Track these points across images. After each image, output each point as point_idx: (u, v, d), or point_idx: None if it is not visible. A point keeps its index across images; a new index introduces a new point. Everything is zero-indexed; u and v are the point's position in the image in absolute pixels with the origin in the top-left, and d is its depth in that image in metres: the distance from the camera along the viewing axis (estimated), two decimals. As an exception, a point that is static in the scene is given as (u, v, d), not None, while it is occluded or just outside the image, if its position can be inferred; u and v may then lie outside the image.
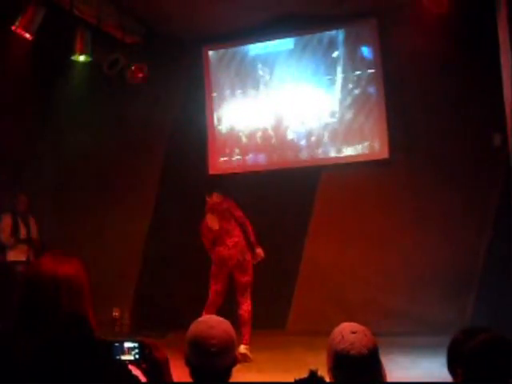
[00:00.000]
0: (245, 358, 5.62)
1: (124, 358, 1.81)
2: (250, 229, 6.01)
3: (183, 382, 2.03)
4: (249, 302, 5.86)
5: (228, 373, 2.04)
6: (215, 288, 5.89)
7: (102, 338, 1.82)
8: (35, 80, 7.26)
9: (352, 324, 2.05)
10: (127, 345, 1.82)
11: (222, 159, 7.68)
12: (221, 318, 2.10)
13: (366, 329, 2.03)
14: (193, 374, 2.03)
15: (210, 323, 2.04)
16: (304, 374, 1.96)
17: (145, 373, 1.84)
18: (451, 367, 2.09)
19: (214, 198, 6.07)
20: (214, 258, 5.94)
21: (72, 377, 1.67)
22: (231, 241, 5.83)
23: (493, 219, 6.39)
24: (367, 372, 1.95)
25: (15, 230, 6.98)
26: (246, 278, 5.85)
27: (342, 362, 1.95)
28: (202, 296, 6.91)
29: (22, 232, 7.03)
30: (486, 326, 2.12)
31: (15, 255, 6.96)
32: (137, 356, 1.81)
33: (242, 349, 5.70)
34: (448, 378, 2.13)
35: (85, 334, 1.76)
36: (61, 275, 1.82)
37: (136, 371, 1.84)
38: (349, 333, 1.98)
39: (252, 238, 5.99)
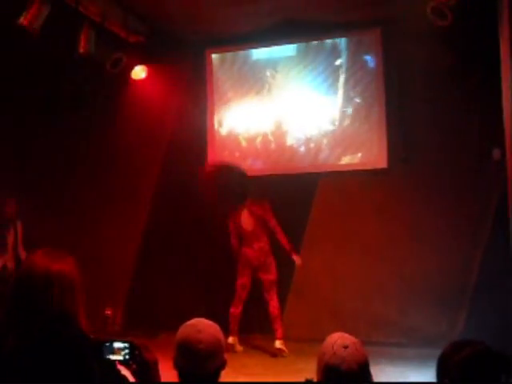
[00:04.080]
0: (281, 353, 6.06)
1: (113, 357, 1.81)
2: (283, 236, 6.22)
3: (171, 381, 2.04)
4: (275, 298, 6.22)
5: (216, 376, 2.04)
6: (240, 282, 6.29)
7: (92, 337, 1.82)
8: (37, 76, 7.26)
9: (344, 336, 2.03)
10: (117, 345, 1.83)
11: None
12: (209, 322, 2.10)
13: (357, 342, 2.01)
14: (181, 376, 2.03)
15: (198, 327, 2.04)
16: (294, 379, 1.96)
17: (134, 373, 1.84)
18: (439, 379, 2.10)
19: (252, 201, 6.30)
20: (239, 257, 6.32)
21: (60, 375, 1.68)
22: (258, 245, 6.22)
23: (488, 233, 6.40)
24: None
25: (1, 234, 6.77)
26: (270, 277, 6.22)
27: (331, 376, 1.94)
28: (195, 297, 6.94)
29: (9, 237, 6.82)
30: (476, 339, 2.12)
31: None
32: (127, 356, 1.82)
33: (278, 344, 6.11)
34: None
35: (74, 333, 1.77)
36: (53, 271, 1.83)
37: (125, 371, 1.84)
38: (340, 347, 1.96)
39: (287, 246, 6.25)
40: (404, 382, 4.70)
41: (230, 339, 6.13)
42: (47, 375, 1.68)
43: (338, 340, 2.00)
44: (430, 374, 2.24)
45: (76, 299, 1.85)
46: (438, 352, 2.15)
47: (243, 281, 6.27)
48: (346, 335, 2.05)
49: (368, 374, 1.98)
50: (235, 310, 6.26)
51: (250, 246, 6.23)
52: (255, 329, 6.79)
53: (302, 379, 2.04)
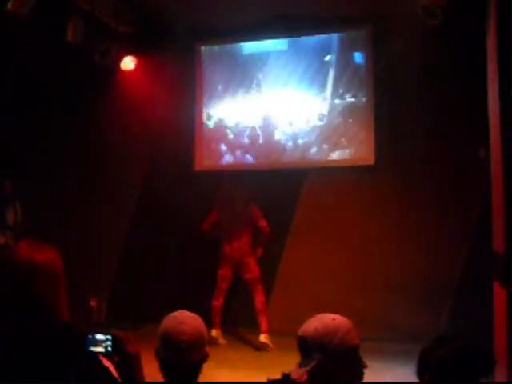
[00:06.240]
0: (264, 347, 6.11)
1: (96, 349, 1.80)
2: (266, 234, 6.35)
3: (157, 382, 2.03)
4: (261, 293, 6.31)
5: (197, 369, 2.04)
6: (220, 273, 6.39)
7: (74, 329, 1.81)
8: (24, 64, 7.18)
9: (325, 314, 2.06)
10: (99, 337, 1.81)
11: (208, 156, 7.66)
12: (192, 314, 2.10)
13: (323, 318, 2.05)
14: (162, 367, 2.03)
15: (181, 319, 2.05)
16: (277, 373, 1.96)
17: (116, 366, 1.83)
18: (419, 373, 2.12)
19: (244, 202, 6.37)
20: (220, 251, 6.40)
21: (42, 366, 1.67)
22: (237, 245, 6.30)
23: (473, 231, 6.45)
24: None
25: (1, 214, 6.97)
26: (250, 275, 6.30)
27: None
28: (180, 289, 6.93)
29: (9, 217, 7.00)
30: (458, 335, 2.14)
31: None
32: (109, 348, 1.80)
33: (262, 338, 6.15)
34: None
35: (57, 324, 1.76)
36: (38, 262, 1.82)
37: (107, 363, 1.83)
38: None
39: (263, 241, 6.37)
40: (388, 382, 4.70)
41: (213, 332, 6.16)
42: (29, 366, 1.67)
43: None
44: (414, 368, 2.25)
45: (59, 290, 1.84)
46: (421, 347, 2.16)
47: (223, 272, 6.34)
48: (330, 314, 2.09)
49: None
50: (217, 303, 6.31)
51: (229, 243, 6.32)
52: (240, 322, 6.81)
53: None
